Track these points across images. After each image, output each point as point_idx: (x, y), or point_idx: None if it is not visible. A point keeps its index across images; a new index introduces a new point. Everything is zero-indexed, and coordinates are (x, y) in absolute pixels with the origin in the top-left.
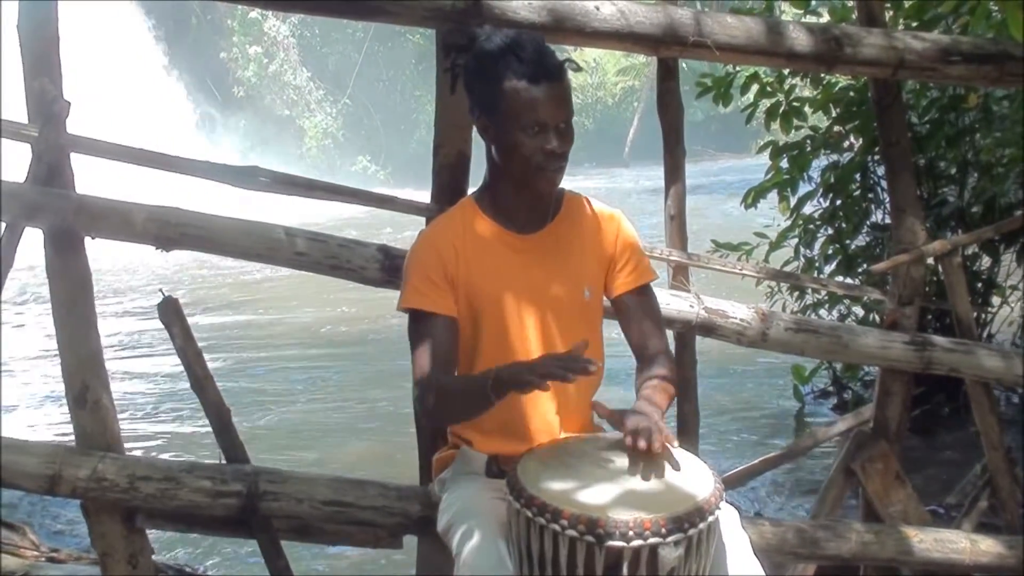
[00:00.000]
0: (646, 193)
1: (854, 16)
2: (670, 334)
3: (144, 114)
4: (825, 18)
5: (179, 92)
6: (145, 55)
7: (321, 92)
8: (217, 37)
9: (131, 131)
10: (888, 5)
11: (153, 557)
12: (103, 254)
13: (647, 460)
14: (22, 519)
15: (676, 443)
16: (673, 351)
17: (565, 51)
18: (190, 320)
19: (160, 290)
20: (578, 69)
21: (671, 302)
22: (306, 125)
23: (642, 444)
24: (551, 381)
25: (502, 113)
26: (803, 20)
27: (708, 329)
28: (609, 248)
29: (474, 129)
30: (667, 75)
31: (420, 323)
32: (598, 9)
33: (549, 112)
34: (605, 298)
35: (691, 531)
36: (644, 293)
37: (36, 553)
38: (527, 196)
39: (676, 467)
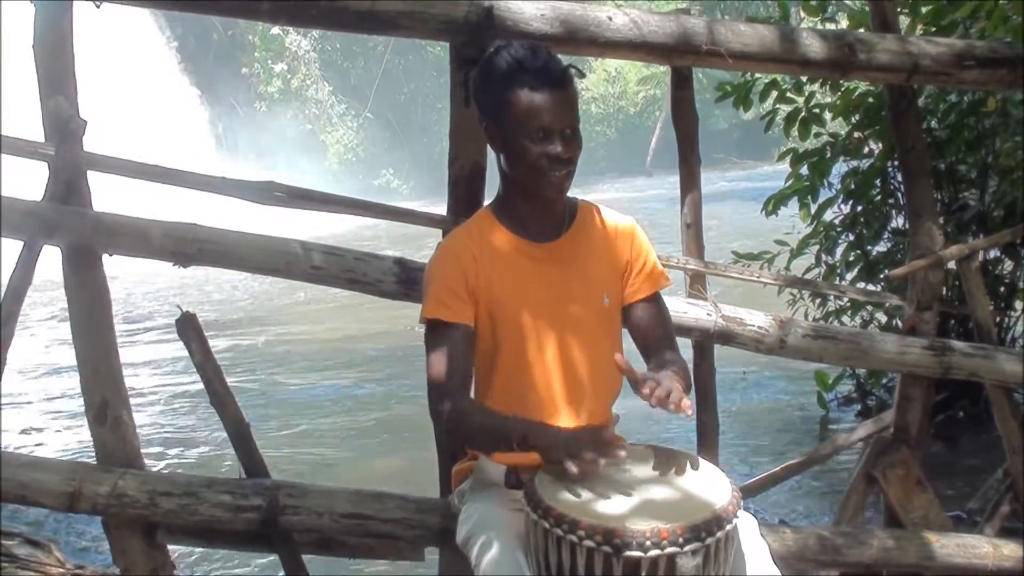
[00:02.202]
0: (668, 203)
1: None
2: (688, 343)
3: (165, 131)
4: (844, 24)
5: (200, 109)
6: (166, 72)
7: (343, 106)
8: (238, 53)
9: (151, 149)
10: (905, 11)
11: (175, 573)
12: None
13: (665, 467)
14: (48, 536)
15: (691, 412)
16: (691, 360)
17: (584, 59)
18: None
19: (178, 306)
20: (582, 75)
21: (688, 311)
22: (328, 140)
23: (660, 392)
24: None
25: (507, 121)
26: (820, 27)
27: (726, 337)
28: (624, 256)
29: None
30: (681, 84)
31: (439, 332)
32: (611, 19)
33: (553, 118)
34: None
35: (709, 540)
36: (655, 301)
37: (61, 571)
38: (538, 204)
39: (695, 467)
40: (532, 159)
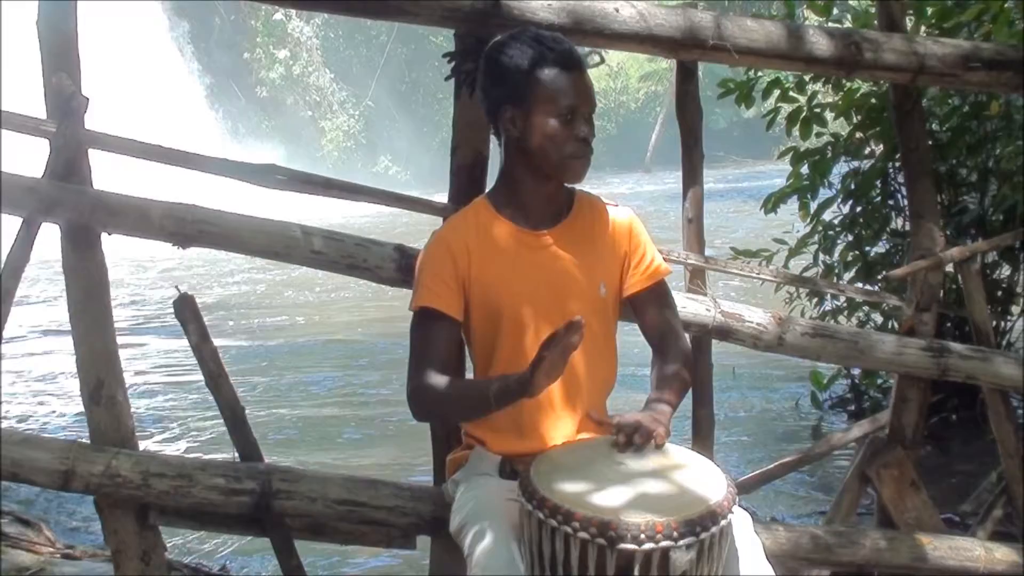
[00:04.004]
0: (667, 199)
1: (876, 22)
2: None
3: (165, 113)
4: (848, 24)
5: (201, 92)
6: (167, 54)
7: (344, 94)
8: (240, 38)
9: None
10: (910, 12)
11: (166, 554)
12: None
13: (658, 461)
14: (38, 515)
15: (663, 442)
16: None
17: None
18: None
19: (176, 287)
20: (602, 60)
21: (687, 305)
22: (328, 127)
23: (622, 439)
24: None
25: (534, 101)
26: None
27: (724, 333)
28: (623, 245)
29: (491, 130)
30: (686, 78)
31: (426, 321)
32: (618, 11)
33: (581, 98)
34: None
35: (703, 535)
36: (658, 291)
37: (51, 549)
38: (543, 190)
39: (691, 462)
40: (560, 140)
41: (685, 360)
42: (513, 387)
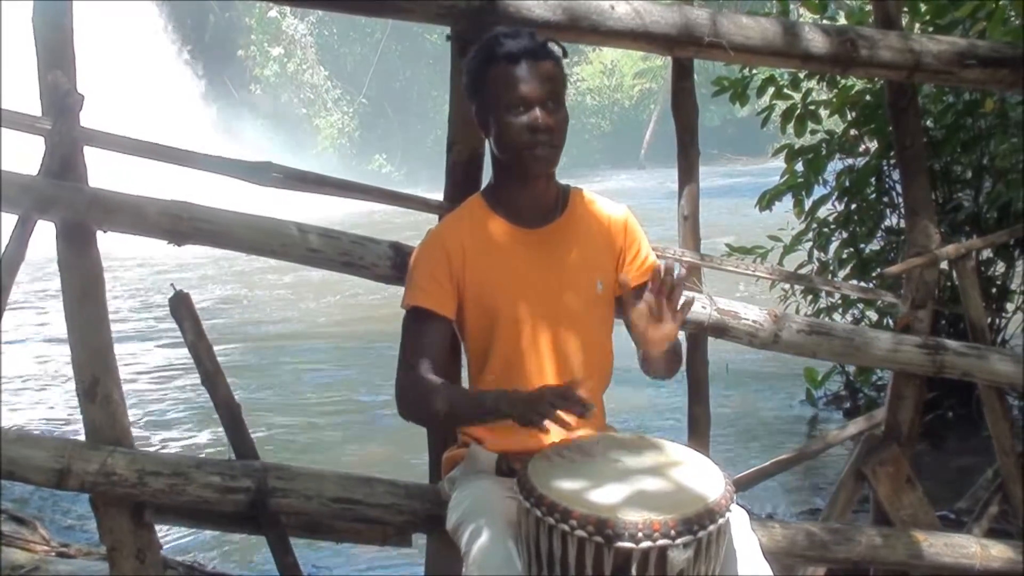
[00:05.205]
0: (661, 197)
1: (870, 20)
2: (681, 335)
3: (160, 110)
4: (842, 21)
5: (195, 89)
6: (162, 51)
7: (338, 91)
8: (235, 35)
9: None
10: (905, 9)
11: (161, 552)
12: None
13: (658, 458)
14: (33, 514)
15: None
16: (684, 352)
17: (581, 50)
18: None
19: (171, 284)
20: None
21: None
22: (322, 124)
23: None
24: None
25: (489, 98)
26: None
27: (720, 330)
28: (618, 242)
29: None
30: (682, 75)
31: (419, 320)
32: (613, 8)
33: (531, 87)
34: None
35: (701, 533)
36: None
37: (46, 548)
38: (528, 187)
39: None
40: (514, 133)
41: (674, 348)
42: (504, 412)
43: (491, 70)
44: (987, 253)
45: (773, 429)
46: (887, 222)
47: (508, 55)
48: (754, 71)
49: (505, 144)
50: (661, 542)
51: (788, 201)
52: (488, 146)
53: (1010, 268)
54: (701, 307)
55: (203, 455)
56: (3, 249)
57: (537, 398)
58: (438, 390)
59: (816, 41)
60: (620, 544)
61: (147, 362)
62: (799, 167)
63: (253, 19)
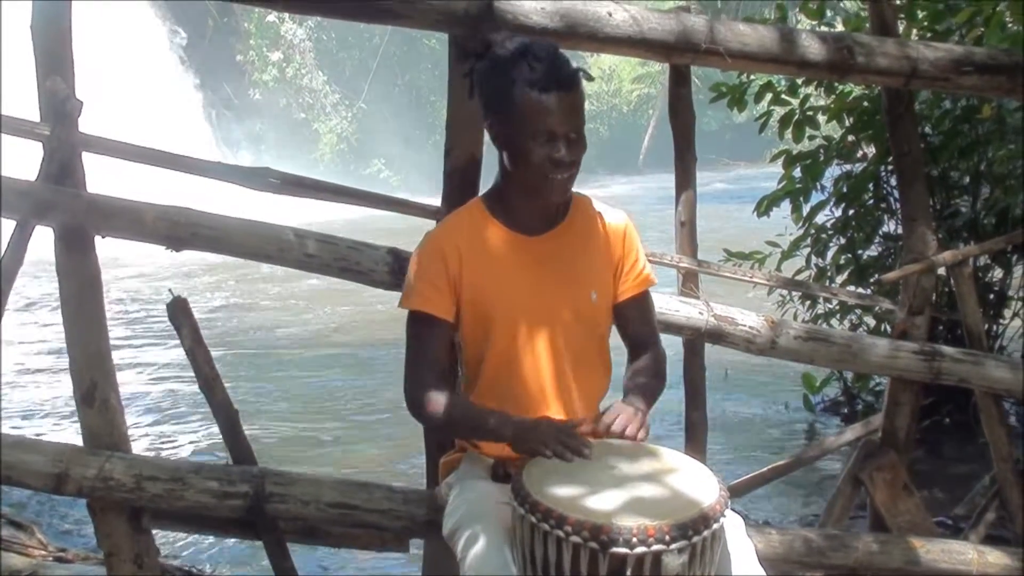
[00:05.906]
0: (659, 202)
1: (867, 26)
2: (679, 341)
3: (158, 115)
4: (839, 27)
5: (194, 94)
6: (160, 57)
7: (337, 96)
8: (233, 40)
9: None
10: (901, 16)
11: (159, 558)
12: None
13: (653, 464)
14: (30, 518)
15: (646, 435)
16: (682, 358)
17: (581, 57)
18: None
19: (169, 290)
20: (590, 79)
21: (680, 309)
22: (321, 129)
23: (616, 429)
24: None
25: (513, 120)
26: (817, 29)
27: (717, 336)
28: (617, 252)
29: (486, 132)
30: (679, 81)
31: (420, 325)
32: (611, 15)
33: (559, 121)
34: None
35: (695, 538)
36: (643, 298)
37: (43, 552)
38: (537, 203)
39: (683, 465)
40: (536, 161)
41: (660, 368)
42: (505, 438)
43: (519, 93)
44: (984, 259)
45: (770, 435)
46: (885, 228)
47: (541, 82)
48: (752, 77)
49: (522, 164)
50: (656, 547)
51: (786, 207)
52: (496, 151)
53: (1007, 274)
54: (698, 313)
55: (201, 460)
56: (2, 254)
57: (539, 436)
58: (441, 401)
59: (813, 48)
60: (615, 550)
61: (145, 367)
62: (797, 173)
63: (252, 24)
